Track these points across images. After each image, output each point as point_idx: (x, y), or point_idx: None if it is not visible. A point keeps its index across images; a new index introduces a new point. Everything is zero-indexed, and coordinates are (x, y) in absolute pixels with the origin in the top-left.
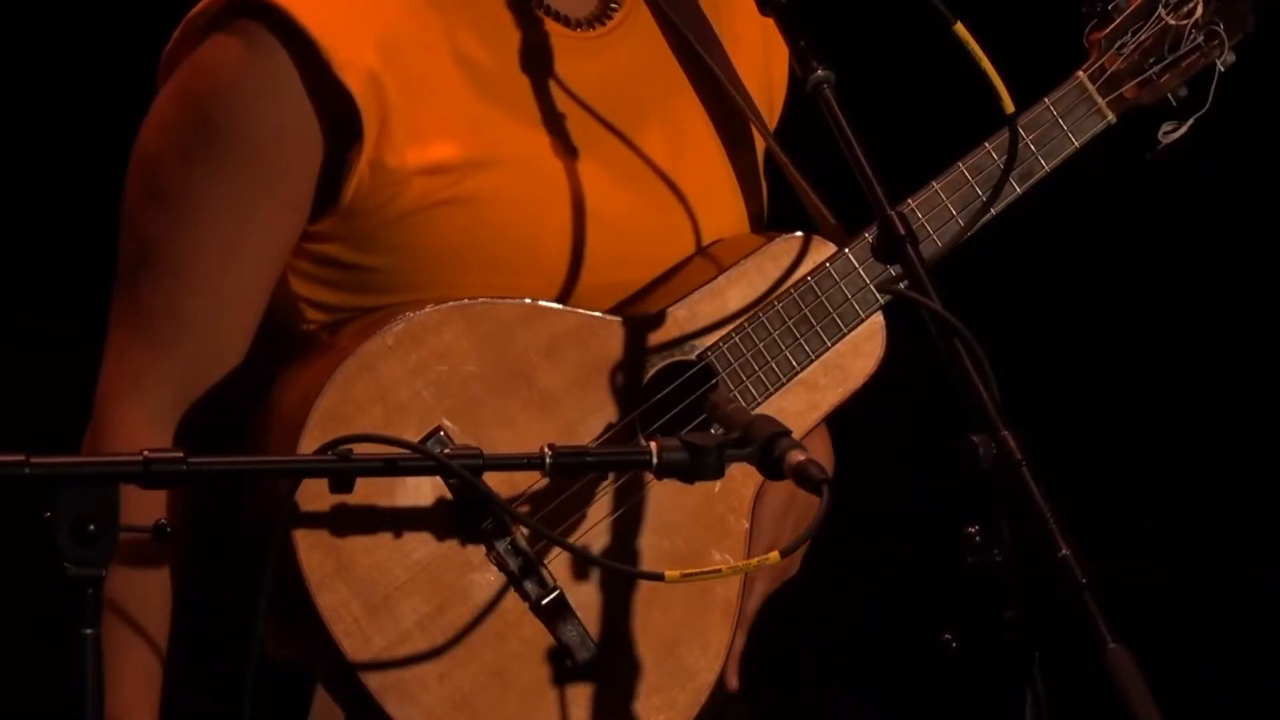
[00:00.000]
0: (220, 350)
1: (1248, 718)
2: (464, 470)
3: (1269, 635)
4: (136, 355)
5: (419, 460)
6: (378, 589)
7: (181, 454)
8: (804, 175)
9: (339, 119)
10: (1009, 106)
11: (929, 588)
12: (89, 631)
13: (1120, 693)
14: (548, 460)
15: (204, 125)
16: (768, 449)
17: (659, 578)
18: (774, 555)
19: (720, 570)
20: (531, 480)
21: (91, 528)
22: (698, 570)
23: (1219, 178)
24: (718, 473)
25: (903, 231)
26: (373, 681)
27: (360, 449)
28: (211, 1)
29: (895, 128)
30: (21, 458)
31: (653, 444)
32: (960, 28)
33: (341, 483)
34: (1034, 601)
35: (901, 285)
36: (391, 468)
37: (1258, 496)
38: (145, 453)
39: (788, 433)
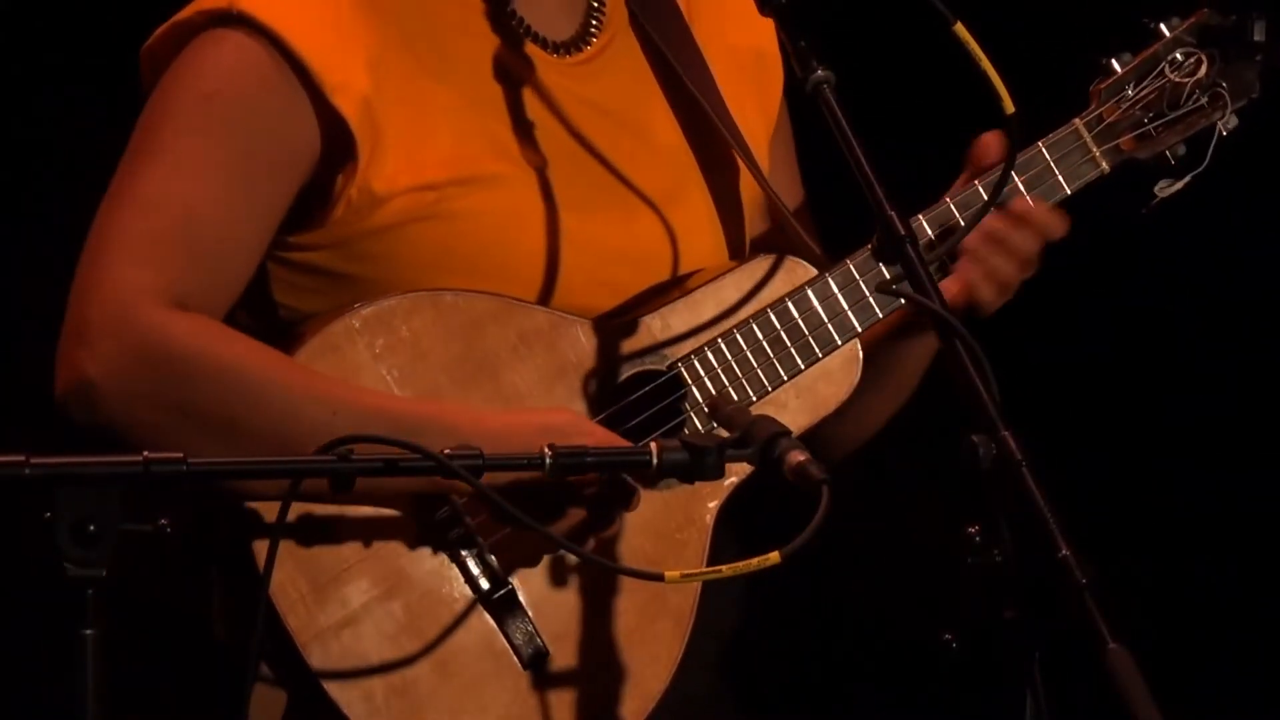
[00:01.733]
0: (221, 278)
1: (1248, 718)
2: (464, 470)
3: (1269, 635)
4: (143, 269)
5: (419, 460)
6: (326, 569)
7: (181, 455)
8: (802, 193)
9: (333, 140)
10: (1009, 106)
11: (929, 588)
12: (89, 631)
13: (1120, 693)
14: (548, 460)
15: (210, 100)
16: (768, 449)
17: (659, 578)
18: (774, 556)
19: (721, 570)
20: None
21: (91, 528)
22: (698, 571)
23: (1217, 180)
24: (718, 472)
25: (903, 231)
26: (316, 661)
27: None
28: (203, 11)
29: (895, 128)
30: (21, 458)
31: (653, 444)
32: (960, 28)
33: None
34: (1034, 601)
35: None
36: (391, 467)
37: (1259, 496)
38: (145, 454)
39: (788, 433)
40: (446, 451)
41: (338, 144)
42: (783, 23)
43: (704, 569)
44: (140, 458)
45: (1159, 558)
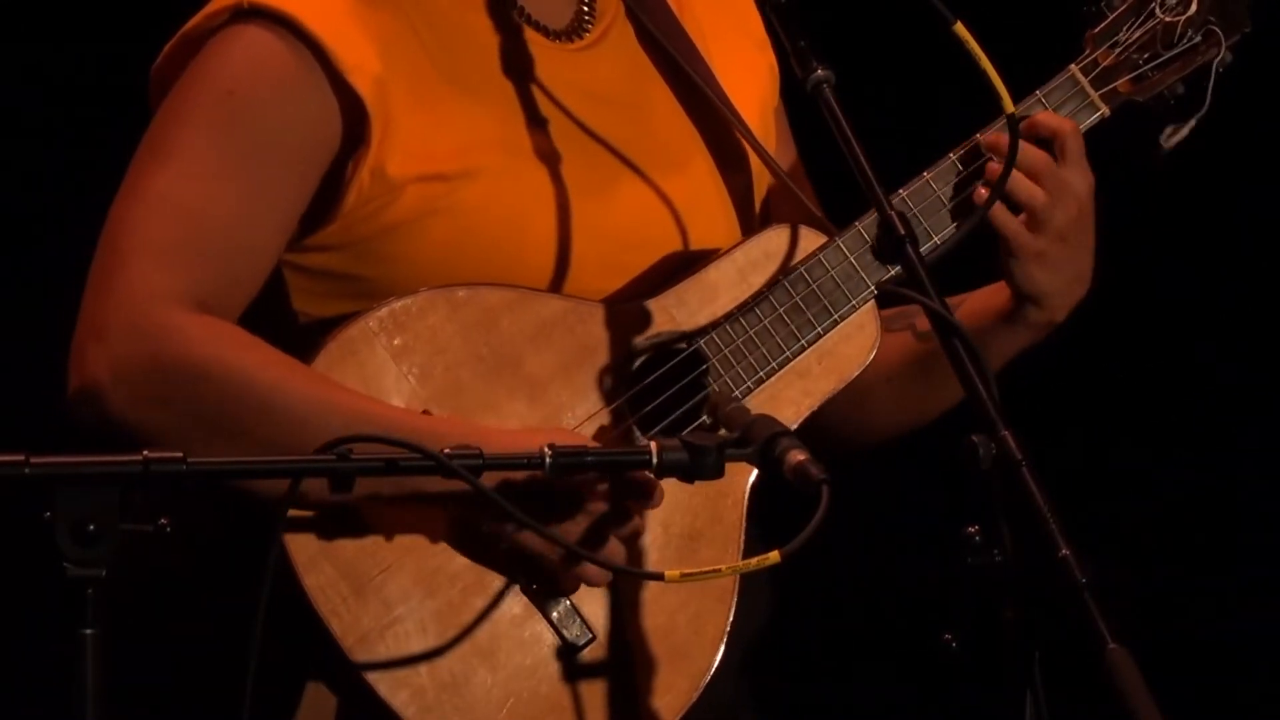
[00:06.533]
0: (238, 280)
1: (1247, 717)
2: (463, 470)
3: (1268, 635)
4: (155, 274)
5: (419, 460)
6: (365, 570)
7: (181, 454)
8: (804, 176)
9: (349, 124)
10: (1009, 105)
11: (929, 588)
12: (89, 631)
13: (1120, 693)
14: (548, 460)
15: (229, 99)
16: (768, 449)
17: (659, 577)
18: (774, 555)
19: (720, 570)
20: None
21: (91, 528)
22: (697, 570)
23: (1218, 177)
24: (717, 473)
25: (903, 231)
26: (364, 664)
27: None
28: (212, 14)
29: (895, 128)
30: (21, 458)
31: (652, 444)
32: (960, 28)
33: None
34: (1034, 601)
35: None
36: (392, 467)
37: (1260, 495)
38: (145, 453)
39: (788, 432)
40: (446, 451)
41: (353, 128)
42: (783, 22)
43: (704, 569)
44: (140, 457)
45: (1158, 557)
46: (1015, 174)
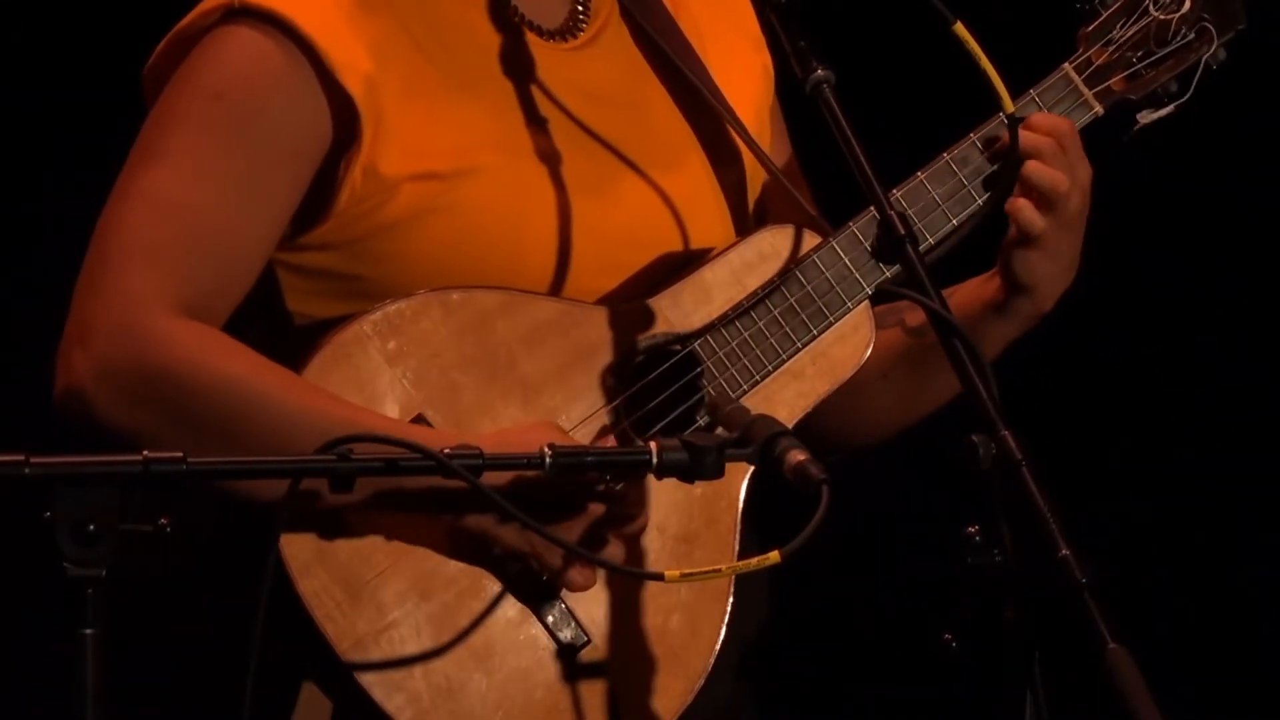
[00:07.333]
0: (228, 281)
1: (1247, 717)
2: (464, 470)
3: (1268, 634)
4: (149, 275)
5: (419, 460)
6: (360, 575)
7: (181, 454)
8: (799, 174)
9: (340, 124)
10: (1008, 106)
11: (929, 588)
12: (89, 631)
13: (1120, 693)
14: (548, 460)
15: (219, 100)
16: (767, 449)
17: (659, 578)
18: (774, 555)
19: (720, 570)
20: None
21: (91, 528)
22: (697, 570)
23: (1220, 175)
24: (717, 473)
25: (902, 232)
26: (359, 668)
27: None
28: (204, 13)
29: (895, 128)
30: (21, 458)
31: (653, 444)
32: (960, 28)
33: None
34: (1034, 601)
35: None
36: (391, 467)
37: (1260, 495)
38: (145, 453)
39: (787, 432)
40: (446, 450)
41: (344, 128)
42: (783, 22)
43: (704, 569)
44: (140, 457)
45: (1158, 557)
46: (1035, 161)
